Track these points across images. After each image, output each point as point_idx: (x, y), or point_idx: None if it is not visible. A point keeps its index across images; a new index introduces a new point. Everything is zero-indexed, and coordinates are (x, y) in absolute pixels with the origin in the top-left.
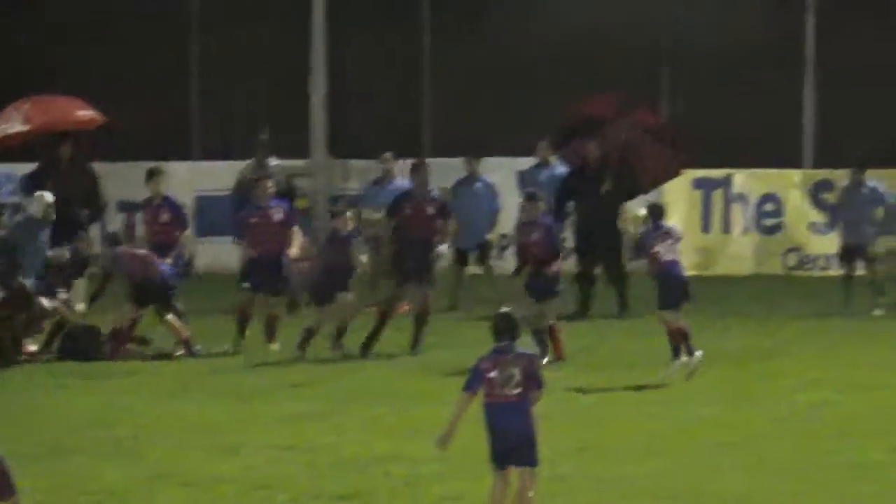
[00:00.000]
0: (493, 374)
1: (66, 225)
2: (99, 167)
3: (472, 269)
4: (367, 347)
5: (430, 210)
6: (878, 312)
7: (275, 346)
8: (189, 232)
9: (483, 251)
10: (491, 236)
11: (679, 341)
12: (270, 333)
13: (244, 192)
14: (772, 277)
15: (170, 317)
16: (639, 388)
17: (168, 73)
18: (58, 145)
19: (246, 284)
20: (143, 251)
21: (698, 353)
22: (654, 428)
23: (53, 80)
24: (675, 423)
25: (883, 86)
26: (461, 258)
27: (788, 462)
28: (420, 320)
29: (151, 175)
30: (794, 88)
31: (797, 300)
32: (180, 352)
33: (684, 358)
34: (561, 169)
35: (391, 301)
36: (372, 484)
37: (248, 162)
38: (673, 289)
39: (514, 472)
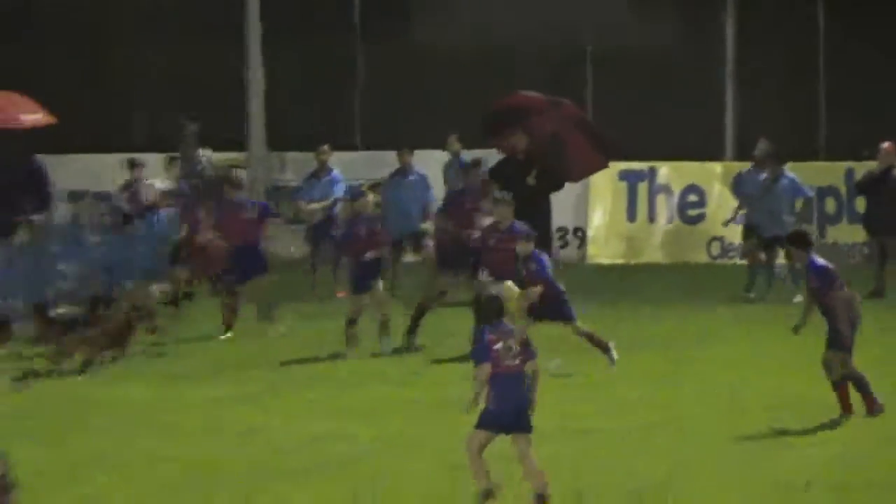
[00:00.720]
0: (498, 346)
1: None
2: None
3: (408, 257)
4: (412, 333)
5: (478, 207)
6: (798, 299)
7: (280, 328)
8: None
9: (417, 240)
10: (424, 226)
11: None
12: (267, 314)
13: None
14: (696, 266)
15: None
16: (565, 372)
17: (106, 68)
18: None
19: (229, 277)
20: None
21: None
22: (580, 410)
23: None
24: (602, 405)
25: (800, 80)
26: (396, 247)
27: (711, 440)
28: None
29: (133, 165)
30: (716, 84)
31: (720, 288)
32: None
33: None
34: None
35: (433, 292)
36: (310, 462)
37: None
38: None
39: (512, 438)
